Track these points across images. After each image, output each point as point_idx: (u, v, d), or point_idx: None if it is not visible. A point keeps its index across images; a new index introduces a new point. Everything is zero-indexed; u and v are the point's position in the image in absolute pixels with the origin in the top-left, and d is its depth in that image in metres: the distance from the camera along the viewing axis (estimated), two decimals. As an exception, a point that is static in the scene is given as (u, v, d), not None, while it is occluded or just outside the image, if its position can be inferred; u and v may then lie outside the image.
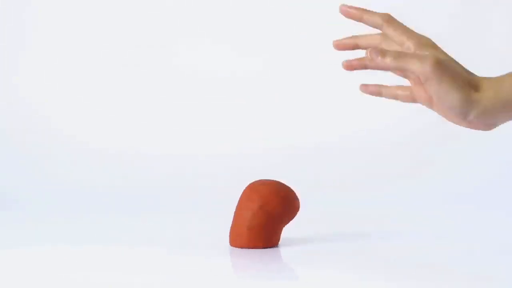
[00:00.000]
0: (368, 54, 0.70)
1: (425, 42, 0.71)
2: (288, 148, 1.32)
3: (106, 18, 1.48)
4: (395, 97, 0.76)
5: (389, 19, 0.73)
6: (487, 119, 0.69)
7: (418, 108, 1.44)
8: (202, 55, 1.47)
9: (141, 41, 1.47)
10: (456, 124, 0.72)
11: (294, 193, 0.89)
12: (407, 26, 0.72)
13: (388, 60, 0.68)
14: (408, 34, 0.72)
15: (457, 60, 0.88)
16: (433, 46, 0.71)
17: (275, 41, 1.49)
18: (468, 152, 1.37)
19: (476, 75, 0.71)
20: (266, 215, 0.84)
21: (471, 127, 0.71)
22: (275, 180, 0.89)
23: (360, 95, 1.44)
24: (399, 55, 0.69)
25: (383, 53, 0.69)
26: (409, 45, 0.71)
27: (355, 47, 0.76)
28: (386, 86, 0.76)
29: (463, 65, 0.72)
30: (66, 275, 0.67)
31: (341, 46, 0.76)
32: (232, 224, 0.85)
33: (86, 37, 1.48)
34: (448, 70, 0.68)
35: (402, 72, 0.73)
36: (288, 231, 0.94)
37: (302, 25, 1.50)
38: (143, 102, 1.44)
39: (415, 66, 0.68)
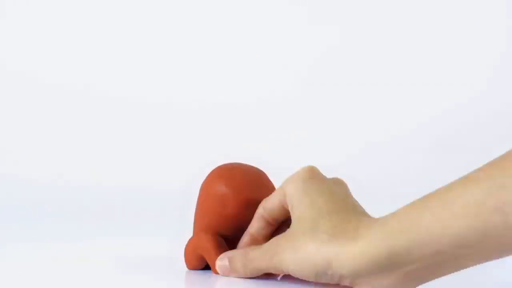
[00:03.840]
0: (216, 266, 0.59)
1: (295, 178, 0.56)
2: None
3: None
4: None
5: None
6: (366, 280, 0.51)
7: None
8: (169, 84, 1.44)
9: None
10: None
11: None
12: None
13: (233, 265, 0.58)
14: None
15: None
16: (305, 179, 0.56)
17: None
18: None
19: (365, 218, 0.52)
20: None
21: None
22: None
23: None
24: (244, 255, 0.57)
25: (229, 257, 0.58)
26: (284, 190, 0.56)
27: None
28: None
29: (337, 206, 0.54)
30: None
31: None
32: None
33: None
34: (292, 251, 0.53)
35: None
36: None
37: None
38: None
39: (262, 267, 0.56)
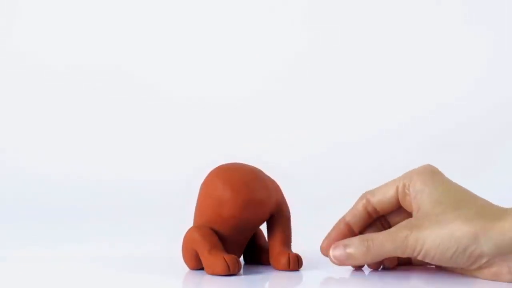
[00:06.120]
0: (330, 256, 0.57)
1: (422, 171, 0.56)
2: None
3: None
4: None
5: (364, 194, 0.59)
6: (505, 258, 0.51)
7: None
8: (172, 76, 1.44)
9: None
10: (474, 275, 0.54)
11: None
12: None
13: (351, 251, 0.56)
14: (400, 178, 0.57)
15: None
16: (433, 172, 0.56)
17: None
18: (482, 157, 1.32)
19: (503, 207, 0.54)
20: None
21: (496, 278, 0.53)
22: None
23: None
24: (365, 240, 0.55)
25: (344, 245, 0.56)
26: (409, 180, 0.56)
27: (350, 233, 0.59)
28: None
29: (475, 196, 0.55)
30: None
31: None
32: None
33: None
34: (434, 227, 0.52)
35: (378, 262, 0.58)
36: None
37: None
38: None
39: (387, 248, 0.54)
